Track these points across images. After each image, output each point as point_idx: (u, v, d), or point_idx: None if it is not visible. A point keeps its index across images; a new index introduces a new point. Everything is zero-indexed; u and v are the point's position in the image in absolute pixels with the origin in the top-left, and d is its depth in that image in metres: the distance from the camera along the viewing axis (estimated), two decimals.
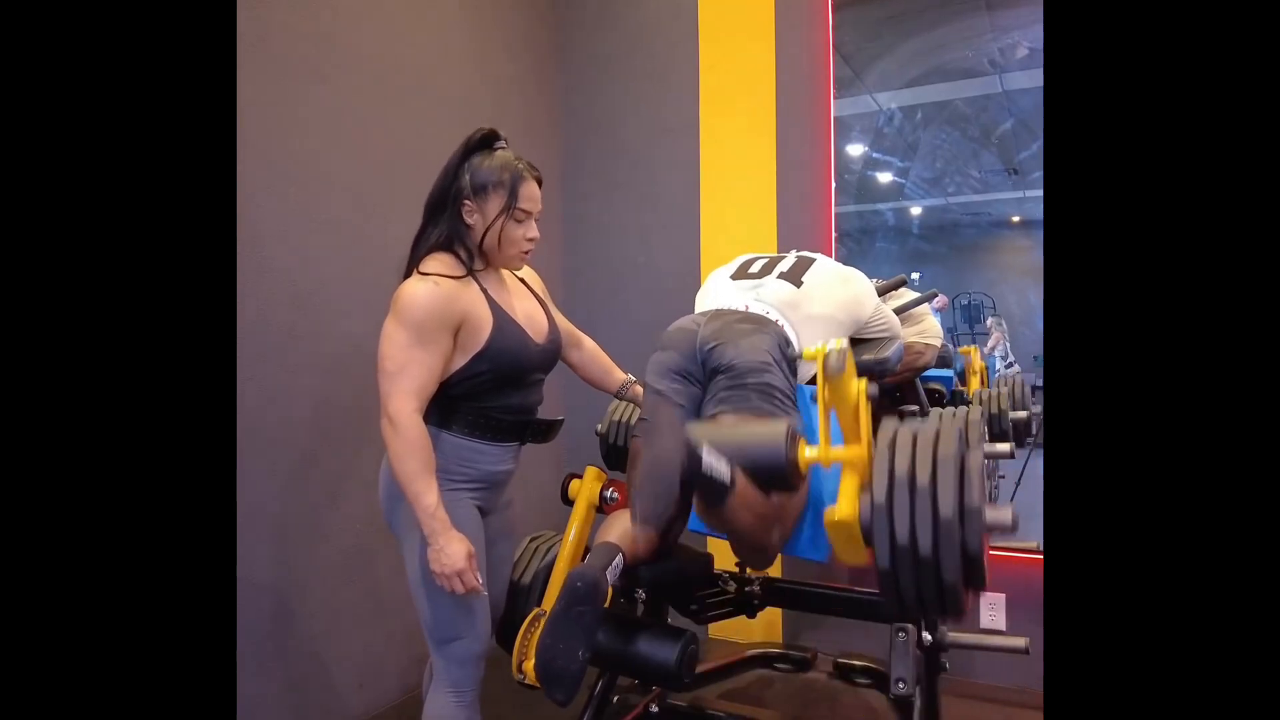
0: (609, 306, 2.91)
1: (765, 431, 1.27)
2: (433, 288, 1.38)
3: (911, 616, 1.21)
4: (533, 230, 1.49)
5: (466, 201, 1.44)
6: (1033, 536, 2.33)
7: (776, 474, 1.25)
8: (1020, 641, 1.24)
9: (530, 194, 1.47)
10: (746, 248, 2.00)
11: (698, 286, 2.45)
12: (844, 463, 1.23)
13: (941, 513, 1.08)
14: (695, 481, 1.27)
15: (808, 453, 1.24)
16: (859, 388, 1.20)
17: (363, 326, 2.15)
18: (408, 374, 1.34)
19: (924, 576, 1.11)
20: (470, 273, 1.45)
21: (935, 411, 1.97)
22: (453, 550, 1.32)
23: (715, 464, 1.23)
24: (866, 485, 1.19)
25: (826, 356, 1.15)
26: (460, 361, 1.42)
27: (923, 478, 1.11)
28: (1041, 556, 2.25)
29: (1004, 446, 1.93)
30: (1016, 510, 1.12)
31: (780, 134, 2.66)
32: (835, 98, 2.58)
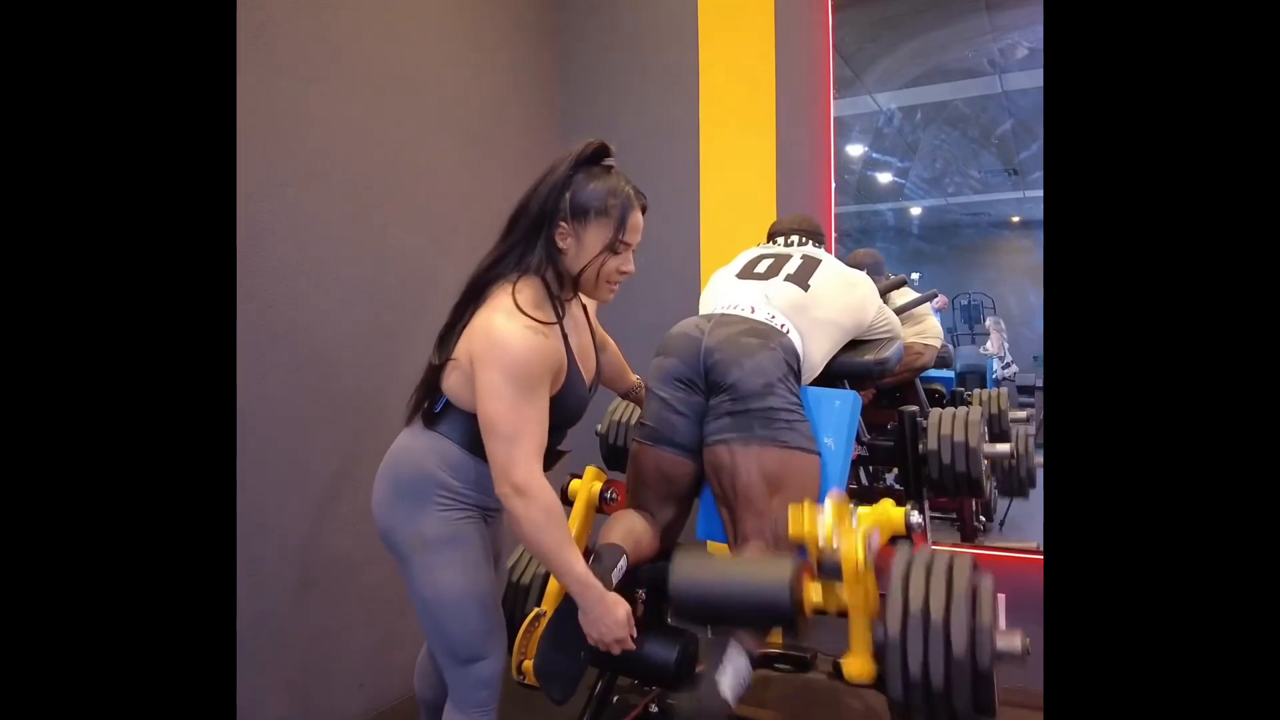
0: (609, 306, 2.90)
1: (770, 575, 1.30)
2: (541, 341, 1.25)
3: None
4: (629, 263, 1.35)
5: (562, 224, 1.30)
6: (1032, 537, 2.34)
7: (782, 618, 1.30)
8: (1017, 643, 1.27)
9: (636, 224, 1.33)
10: (746, 248, 2.00)
11: (698, 286, 2.44)
12: (850, 609, 1.30)
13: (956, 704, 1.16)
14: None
15: (814, 596, 1.31)
16: (858, 549, 1.27)
17: (362, 326, 2.16)
18: (527, 435, 1.22)
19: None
20: (559, 315, 1.32)
21: (938, 420, 1.97)
22: (617, 617, 1.25)
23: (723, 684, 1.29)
24: (876, 620, 1.28)
25: (820, 563, 1.28)
26: None
27: (937, 680, 1.18)
28: (1041, 557, 2.25)
29: (1003, 446, 1.94)
30: (1028, 642, 1.20)
31: (780, 134, 2.66)
32: (835, 98, 2.58)
